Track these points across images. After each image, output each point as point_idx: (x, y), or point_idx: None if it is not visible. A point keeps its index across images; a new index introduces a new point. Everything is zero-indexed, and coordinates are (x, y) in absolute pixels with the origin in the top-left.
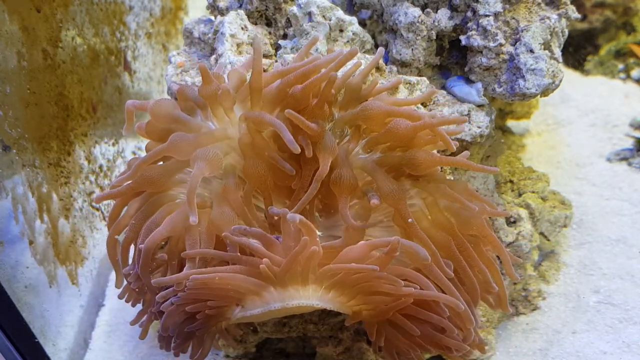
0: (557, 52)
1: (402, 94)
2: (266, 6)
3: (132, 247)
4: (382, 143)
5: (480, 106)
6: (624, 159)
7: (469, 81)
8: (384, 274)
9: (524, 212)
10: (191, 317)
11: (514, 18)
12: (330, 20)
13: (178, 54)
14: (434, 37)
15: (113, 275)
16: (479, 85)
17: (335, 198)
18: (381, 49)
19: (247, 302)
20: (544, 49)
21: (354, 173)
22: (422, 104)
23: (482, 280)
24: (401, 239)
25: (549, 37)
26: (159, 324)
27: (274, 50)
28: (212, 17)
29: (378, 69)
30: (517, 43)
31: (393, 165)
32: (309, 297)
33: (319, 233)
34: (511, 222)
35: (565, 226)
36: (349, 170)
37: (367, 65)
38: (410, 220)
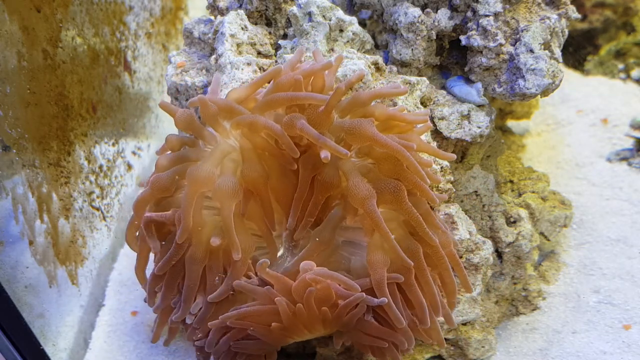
0: (557, 52)
1: None
2: (266, 6)
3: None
4: (371, 155)
5: (480, 106)
6: (624, 159)
7: (469, 81)
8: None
9: (524, 212)
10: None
11: (514, 18)
12: (330, 20)
13: (178, 54)
14: (434, 37)
15: (113, 275)
16: (479, 85)
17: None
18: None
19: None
20: (544, 49)
21: (339, 175)
22: (421, 102)
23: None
24: (338, 277)
25: (549, 37)
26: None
27: (274, 51)
28: (212, 17)
29: (378, 69)
30: (517, 43)
31: (377, 179)
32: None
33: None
34: (511, 222)
35: (565, 226)
36: (335, 170)
37: (379, 91)
38: (377, 216)
